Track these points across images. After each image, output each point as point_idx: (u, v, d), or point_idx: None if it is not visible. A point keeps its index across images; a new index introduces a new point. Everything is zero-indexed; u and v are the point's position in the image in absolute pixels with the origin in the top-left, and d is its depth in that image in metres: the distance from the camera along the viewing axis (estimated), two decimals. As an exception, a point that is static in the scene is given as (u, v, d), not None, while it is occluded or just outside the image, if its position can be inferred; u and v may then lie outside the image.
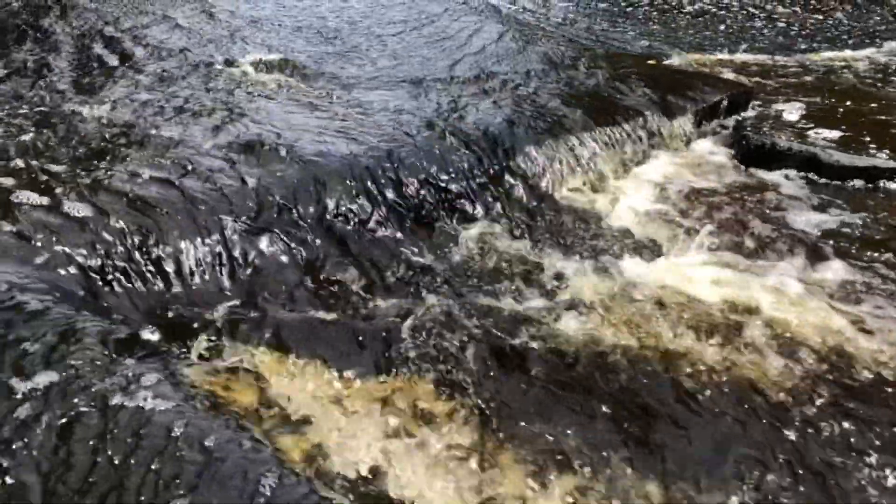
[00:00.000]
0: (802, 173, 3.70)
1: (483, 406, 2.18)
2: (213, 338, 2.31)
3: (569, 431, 2.12)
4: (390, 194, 3.07)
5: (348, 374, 2.26)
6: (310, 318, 2.46)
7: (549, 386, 2.27)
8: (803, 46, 5.57)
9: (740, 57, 5.14)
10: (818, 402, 2.23)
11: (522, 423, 2.14)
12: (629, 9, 6.76)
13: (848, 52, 5.29)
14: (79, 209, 2.59)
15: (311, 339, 2.37)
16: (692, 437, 2.11)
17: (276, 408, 2.08)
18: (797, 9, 6.81)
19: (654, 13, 6.71)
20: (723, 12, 6.76)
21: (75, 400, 1.80)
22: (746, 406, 2.21)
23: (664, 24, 6.33)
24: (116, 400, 1.81)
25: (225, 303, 2.49)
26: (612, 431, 2.12)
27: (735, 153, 3.90)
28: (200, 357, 2.25)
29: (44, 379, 1.85)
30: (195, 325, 2.37)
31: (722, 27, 6.32)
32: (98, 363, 1.94)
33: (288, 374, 2.25)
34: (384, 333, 2.41)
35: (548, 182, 3.50)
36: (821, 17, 6.62)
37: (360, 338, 2.39)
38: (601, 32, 5.88)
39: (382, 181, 3.09)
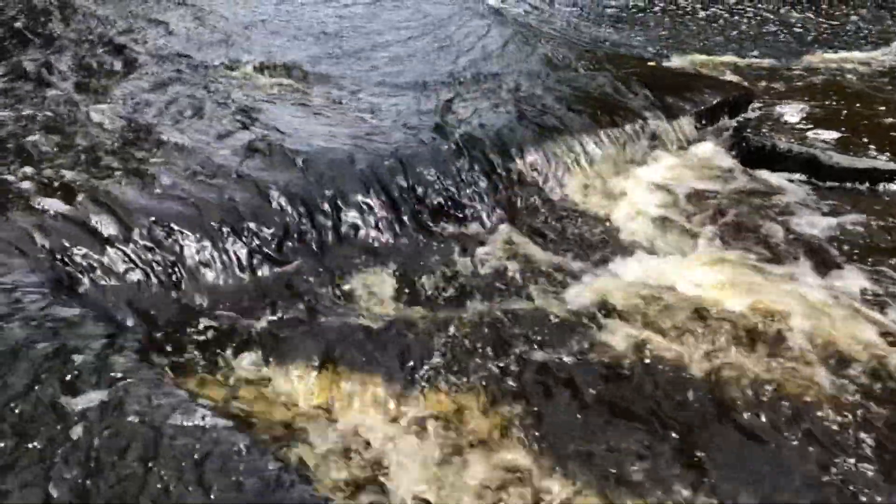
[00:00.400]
0: (803, 175, 3.76)
1: (533, 424, 2.17)
2: (250, 354, 2.32)
3: (625, 454, 2.09)
4: (409, 203, 3.16)
5: (392, 391, 2.25)
6: (346, 332, 2.47)
7: (599, 403, 2.26)
8: (812, 50, 5.62)
9: (744, 59, 5.21)
10: (877, 423, 2.19)
11: (576, 444, 2.13)
12: (639, 14, 6.84)
13: (856, 55, 5.34)
14: (104, 221, 2.64)
15: (349, 354, 2.37)
16: (753, 459, 2.10)
17: (323, 429, 2.09)
18: (810, 14, 6.86)
19: (666, 19, 6.78)
20: (736, 18, 6.81)
21: (126, 419, 1.80)
22: (803, 425, 2.19)
23: (675, 30, 6.40)
24: (166, 419, 1.81)
25: (258, 317, 2.51)
26: (670, 454, 2.10)
27: (735, 154, 3.96)
28: (237, 374, 2.26)
29: (94, 397, 1.85)
30: (230, 340, 2.38)
31: (735, 32, 6.39)
32: (141, 380, 1.95)
33: (330, 391, 2.25)
34: (423, 346, 2.41)
35: (556, 185, 3.59)
36: (835, 22, 6.66)
37: (400, 352, 2.39)
38: (609, 37, 5.96)
39: (400, 190, 3.18)
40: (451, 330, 2.48)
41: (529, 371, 2.36)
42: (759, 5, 7.10)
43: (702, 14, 6.93)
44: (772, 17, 6.84)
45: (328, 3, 5.80)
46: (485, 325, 2.52)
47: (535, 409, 2.23)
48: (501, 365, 2.37)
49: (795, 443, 2.15)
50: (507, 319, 2.56)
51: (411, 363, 2.35)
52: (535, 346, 2.45)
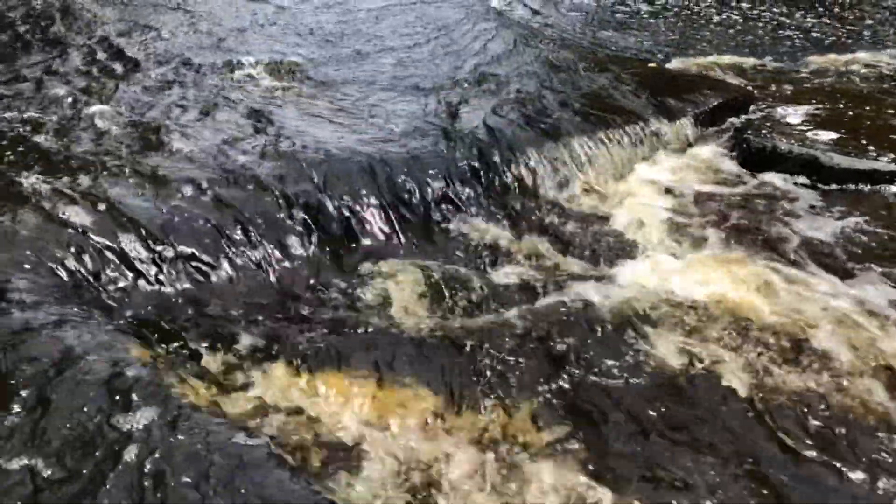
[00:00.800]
0: (804, 177, 3.77)
1: (589, 444, 2.12)
2: (293, 371, 2.30)
3: (690, 480, 2.02)
4: (428, 211, 3.24)
5: (440, 404, 2.22)
6: (385, 344, 2.45)
7: (650, 419, 2.22)
8: (822, 52, 5.62)
9: (749, 62, 5.23)
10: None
11: (636, 468, 2.05)
12: (652, 20, 6.86)
13: (864, 57, 5.33)
14: (130, 236, 2.66)
15: (393, 368, 2.35)
16: (824, 487, 2.04)
17: (376, 450, 2.05)
18: (826, 19, 6.86)
19: (680, 24, 6.80)
20: (751, 23, 6.81)
21: (178, 438, 1.77)
22: (872, 451, 2.13)
23: (687, 35, 6.42)
24: (213, 442, 1.77)
25: (293, 330, 2.49)
26: (739, 484, 2.02)
27: (736, 156, 3.99)
28: (283, 392, 2.22)
29: (142, 417, 1.82)
30: (269, 356, 2.36)
31: (749, 37, 6.39)
32: (187, 400, 1.92)
33: (379, 408, 2.21)
34: (463, 359, 2.40)
35: (561, 188, 3.66)
36: (851, 27, 6.66)
37: (443, 365, 2.38)
38: (616, 42, 6.00)
39: (418, 198, 3.25)
40: (488, 340, 2.48)
41: (577, 385, 2.34)
42: (774, 10, 7.12)
43: (716, 19, 6.94)
44: (787, 21, 6.84)
45: (332, 8, 5.89)
46: (521, 335, 2.52)
47: (590, 427, 2.19)
48: (548, 378, 2.35)
49: (866, 472, 2.07)
50: (544, 328, 2.56)
51: (457, 378, 2.33)
52: (579, 359, 2.44)
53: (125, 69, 4.32)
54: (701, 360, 2.45)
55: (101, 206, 2.75)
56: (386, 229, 3.12)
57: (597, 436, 2.16)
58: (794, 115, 4.18)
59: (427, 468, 2.00)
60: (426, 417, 2.19)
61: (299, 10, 5.83)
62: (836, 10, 7.09)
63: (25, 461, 1.70)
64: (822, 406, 2.28)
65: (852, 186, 3.69)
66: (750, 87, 4.61)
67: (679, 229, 3.38)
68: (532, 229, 3.33)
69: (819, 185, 3.72)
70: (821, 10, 7.11)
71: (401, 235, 3.13)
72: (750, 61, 5.23)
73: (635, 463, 2.09)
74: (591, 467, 2.05)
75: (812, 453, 2.13)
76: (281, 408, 2.15)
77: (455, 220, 3.28)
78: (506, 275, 2.95)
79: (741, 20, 6.86)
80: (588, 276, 2.95)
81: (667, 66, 5.04)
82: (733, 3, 7.31)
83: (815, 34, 6.39)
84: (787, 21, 6.81)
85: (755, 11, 7.12)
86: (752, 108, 4.36)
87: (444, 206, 3.32)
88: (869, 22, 6.75)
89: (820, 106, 4.30)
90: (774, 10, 7.12)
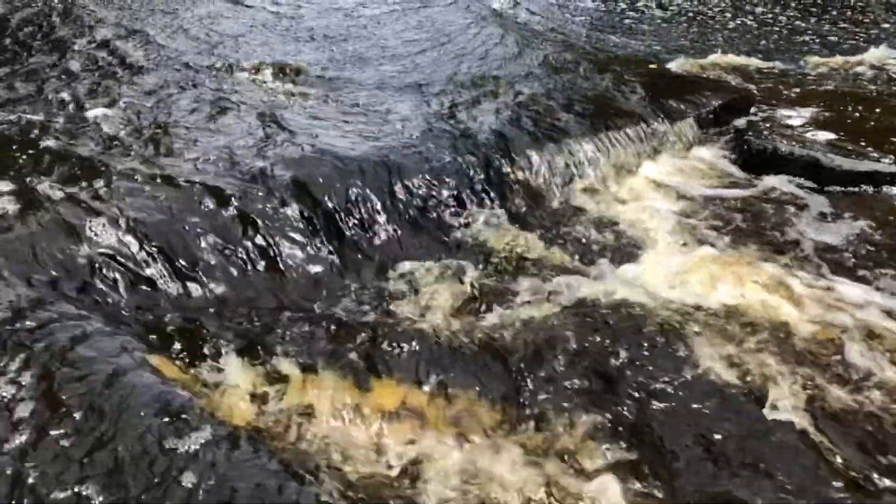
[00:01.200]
0: (805, 179, 3.77)
1: (646, 462, 2.09)
2: (331, 385, 2.26)
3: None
4: (447, 215, 3.29)
5: (494, 421, 2.20)
6: (430, 354, 2.42)
7: (715, 443, 2.16)
8: (830, 54, 5.60)
9: (754, 64, 5.24)
10: None
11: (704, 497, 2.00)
12: (664, 25, 6.88)
13: (868, 58, 5.30)
14: (158, 258, 2.65)
15: (441, 379, 2.32)
16: None
17: (428, 471, 2.02)
18: (840, 23, 6.83)
19: (694, 28, 6.81)
20: (766, 28, 6.80)
21: (234, 465, 1.72)
22: None
23: (698, 39, 6.43)
24: (275, 467, 1.73)
25: (332, 343, 2.45)
26: None
27: (737, 158, 4.00)
28: (320, 410, 2.18)
29: (199, 438, 1.78)
30: (316, 371, 2.31)
31: (763, 41, 6.39)
32: (234, 419, 1.91)
33: (429, 423, 2.18)
34: (506, 367, 2.38)
35: (568, 190, 3.69)
36: (864, 30, 6.62)
37: (487, 375, 2.36)
38: (627, 45, 6.02)
39: (436, 203, 3.30)
40: (530, 350, 2.45)
41: (629, 400, 2.30)
42: (788, 13, 7.10)
43: (731, 25, 6.94)
44: (802, 25, 6.83)
45: (334, 13, 5.97)
46: (558, 344, 2.49)
47: (648, 447, 2.15)
48: (602, 388, 2.33)
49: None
50: (578, 335, 2.53)
51: (508, 391, 2.31)
52: (625, 370, 2.40)
53: (131, 73, 4.36)
54: (748, 374, 2.40)
55: (123, 221, 2.72)
56: (406, 237, 3.15)
57: (656, 457, 2.12)
58: (796, 116, 4.18)
59: (484, 489, 1.97)
60: (480, 435, 2.16)
61: (300, 14, 5.90)
62: (849, 13, 7.06)
63: (77, 488, 1.67)
64: (880, 427, 2.22)
65: (854, 188, 3.68)
66: (753, 89, 4.61)
67: (689, 232, 3.38)
68: (544, 232, 3.36)
69: (820, 186, 3.71)
70: (834, 13, 7.09)
71: (421, 242, 3.16)
72: (756, 63, 5.23)
73: (701, 490, 2.04)
74: (655, 492, 2.02)
75: (880, 483, 2.07)
76: (327, 426, 2.13)
77: (472, 225, 3.31)
78: (531, 279, 2.94)
79: (755, 25, 6.86)
80: (605, 278, 2.95)
81: (669, 67, 5.06)
82: (747, 8, 7.31)
83: (828, 38, 6.37)
84: (802, 25, 6.81)
85: (769, 16, 7.11)
86: (754, 109, 4.35)
87: (460, 211, 3.35)
88: (885, 26, 6.72)
89: (823, 107, 4.30)
90: (788, 13, 7.11)
